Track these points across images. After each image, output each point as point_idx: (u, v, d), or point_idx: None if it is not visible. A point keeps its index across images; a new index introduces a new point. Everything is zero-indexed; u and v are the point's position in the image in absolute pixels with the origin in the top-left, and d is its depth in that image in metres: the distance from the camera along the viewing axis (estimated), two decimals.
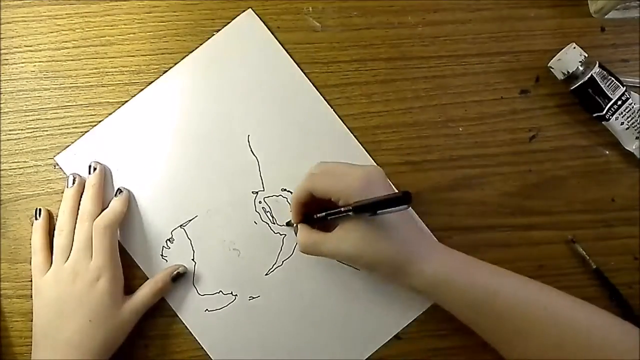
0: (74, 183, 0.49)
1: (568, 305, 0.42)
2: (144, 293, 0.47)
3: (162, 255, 0.49)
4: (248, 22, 0.51)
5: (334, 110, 0.51)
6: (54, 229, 0.48)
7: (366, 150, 0.50)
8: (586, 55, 0.48)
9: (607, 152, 0.51)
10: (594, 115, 0.49)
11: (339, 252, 0.43)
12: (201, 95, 0.51)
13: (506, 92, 0.51)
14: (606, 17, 0.51)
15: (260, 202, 0.50)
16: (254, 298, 0.49)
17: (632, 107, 0.48)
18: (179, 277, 0.48)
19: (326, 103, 0.51)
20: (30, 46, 0.52)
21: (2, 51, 0.52)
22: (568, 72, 0.48)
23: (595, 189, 0.51)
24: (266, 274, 0.49)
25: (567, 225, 0.50)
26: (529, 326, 0.41)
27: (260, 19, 0.51)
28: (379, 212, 0.37)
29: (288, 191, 0.50)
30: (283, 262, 0.49)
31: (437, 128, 0.51)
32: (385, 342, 0.48)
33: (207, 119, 0.51)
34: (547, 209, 0.50)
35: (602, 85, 0.48)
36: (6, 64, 0.52)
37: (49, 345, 0.45)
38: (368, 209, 0.38)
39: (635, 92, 0.49)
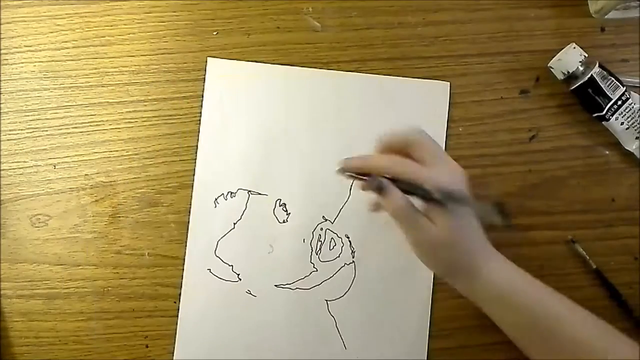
0: None
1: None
2: None
3: (215, 200, 0.50)
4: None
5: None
6: None
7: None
8: (586, 55, 0.48)
9: (607, 152, 0.51)
10: (594, 115, 0.49)
11: (424, 236, 0.40)
12: (348, 109, 0.51)
13: (506, 92, 0.51)
14: (606, 17, 0.51)
15: (321, 229, 0.50)
16: (250, 294, 0.49)
17: (632, 107, 0.48)
18: None
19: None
20: (30, 46, 0.52)
21: (2, 51, 0.52)
22: (568, 72, 0.48)
23: (595, 189, 0.51)
24: (276, 285, 0.49)
25: (567, 225, 0.50)
26: None
27: (448, 95, 0.51)
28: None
29: (350, 238, 0.50)
30: (296, 288, 0.49)
31: None
32: None
33: (333, 131, 0.51)
34: (547, 209, 0.50)
35: (602, 85, 0.48)
36: (6, 64, 0.52)
37: None
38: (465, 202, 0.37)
39: (635, 92, 0.49)
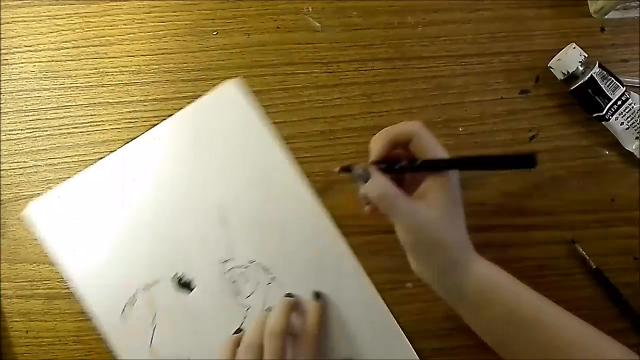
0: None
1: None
2: None
3: (122, 312, 0.48)
4: (232, 91, 0.51)
5: (310, 191, 0.49)
6: None
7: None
8: (586, 55, 0.48)
9: (607, 152, 0.51)
10: (594, 115, 0.49)
11: (412, 216, 0.39)
12: (177, 160, 0.50)
13: (506, 92, 0.51)
14: (606, 17, 0.51)
15: (226, 272, 0.49)
16: None
17: (632, 107, 0.48)
18: None
19: (302, 182, 0.49)
20: (30, 46, 0.52)
21: (2, 51, 0.52)
22: (568, 72, 0.48)
23: (595, 189, 0.51)
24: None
25: (567, 225, 0.50)
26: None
27: (244, 90, 0.50)
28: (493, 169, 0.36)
29: (256, 263, 0.49)
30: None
31: (437, 128, 0.51)
32: None
33: (181, 183, 0.50)
34: (547, 209, 0.50)
35: (601, 85, 0.48)
36: (6, 64, 0.52)
37: None
38: (492, 164, 0.35)
39: (635, 92, 0.49)
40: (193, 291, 0.49)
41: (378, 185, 0.40)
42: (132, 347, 0.48)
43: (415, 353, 0.48)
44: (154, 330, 0.48)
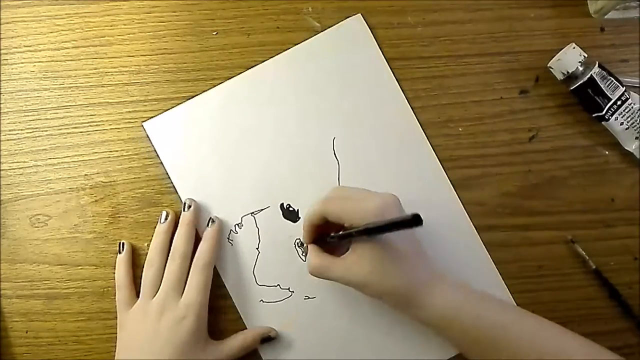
0: (166, 219, 0.49)
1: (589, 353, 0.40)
2: (231, 345, 0.47)
3: (228, 238, 0.50)
4: (355, 27, 0.51)
5: (421, 126, 0.50)
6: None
7: (445, 170, 0.50)
8: (586, 56, 0.48)
9: (607, 152, 0.51)
10: (594, 115, 0.49)
11: (346, 279, 0.43)
12: (293, 90, 0.51)
13: (506, 92, 0.51)
14: (606, 17, 0.51)
15: None
16: (310, 298, 0.49)
17: (632, 107, 0.48)
18: (269, 340, 0.48)
19: (415, 118, 0.50)
20: (30, 46, 0.52)
21: (2, 51, 0.52)
22: (568, 72, 0.48)
23: (595, 189, 0.51)
24: None
25: (567, 225, 0.50)
26: None
27: (368, 25, 0.51)
28: (388, 232, 0.38)
29: None
30: None
31: (437, 128, 0.51)
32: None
33: (294, 115, 0.51)
34: (547, 209, 0.50)
35: (601, 86, 0.48)
36: (6, 64, 0.52)
37: None
38: (380, 230, 0.38)
39: (635, 92, 0.49)
40: (298, 221, 0.50)
41: (310, 259, 0.45)
42: (236, 272, 0.49)
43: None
44: (257, 257, 0.49)
